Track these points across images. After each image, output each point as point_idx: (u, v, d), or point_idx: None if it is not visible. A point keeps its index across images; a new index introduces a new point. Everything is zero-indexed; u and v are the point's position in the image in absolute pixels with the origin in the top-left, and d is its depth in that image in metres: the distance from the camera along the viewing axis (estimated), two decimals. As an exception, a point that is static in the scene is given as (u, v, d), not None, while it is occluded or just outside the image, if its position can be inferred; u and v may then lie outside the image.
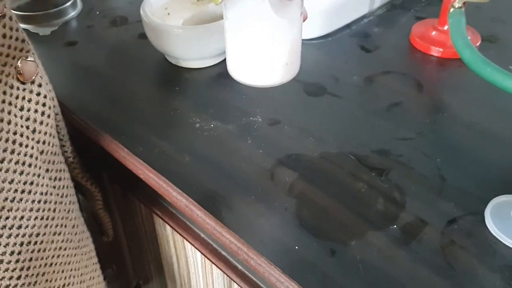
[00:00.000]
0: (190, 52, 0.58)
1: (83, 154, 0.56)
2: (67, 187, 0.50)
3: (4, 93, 0.39)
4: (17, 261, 0.43)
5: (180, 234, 0.57)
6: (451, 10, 0.58)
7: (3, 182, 0.40)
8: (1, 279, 0.42)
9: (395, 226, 0.41)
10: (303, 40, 0.64)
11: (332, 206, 0.43)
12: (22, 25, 0.69)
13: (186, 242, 0.57)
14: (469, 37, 0.60)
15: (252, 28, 0.39)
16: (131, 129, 0.52)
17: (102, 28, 0.70)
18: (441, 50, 0.61)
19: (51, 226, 0.47)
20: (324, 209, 0.43)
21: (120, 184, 0.65)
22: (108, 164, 0.56)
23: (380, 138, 0.50)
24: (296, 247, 0.40)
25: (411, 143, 0.49)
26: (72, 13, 0.72)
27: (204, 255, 0.55)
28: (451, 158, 0.47)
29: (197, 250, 0.55)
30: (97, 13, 0.74)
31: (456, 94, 0.56)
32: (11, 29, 0.39)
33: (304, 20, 0.41)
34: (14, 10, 0.69)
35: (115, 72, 0.61)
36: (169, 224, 0.59)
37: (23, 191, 0.42)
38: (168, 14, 0.63)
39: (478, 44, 0.62)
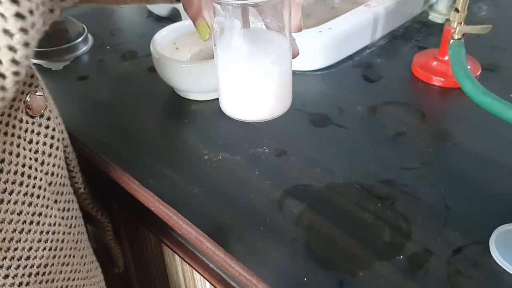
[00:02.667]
0: (197, 86, 0.60)
1: (94, 185, 0.57)
2: (75, 218, 0.51)
3: (14, 126, 0.41)
4: None
5: (189, 264, 0.58)
6: (451, 41, 0.60)
7: (11, 213, 0.41)
8: None
9: (401, 256, 0.42)
10: (307, 71, 0.67)
11: (339, 237, 0.44)
12: (35, 61, 0.71)
13: (195, 272, 0.58)
14: (469, 67, 0.62)
15: (240, 64, 0.39)
16: (141, 161, 0.54)
17: (112, 62, 0.73)
18: (442, 79, 0.63)
19: (59, 257, 0.47)
20: (332, 239, 0.44)
21: (130, 214, 0.66)
22: (117, 194, 0.57)
23: (385, 167, 0.51)
24: (305, 279, 0.40)
25: (416, 172, 0.50)
26: (84, 48, 0.75)
27: (213, 285, 0.55)
28: (455, 187, 0.48)
29: (206, 280, 0.56)
30: (108, 47, 0.76)
31: (458, 123, 0.57)
32: None
33: (295, 56, 0.41)
34: (28, 46, 0.71)
35: (125, 105, 0.63)
36: (178, 254, 0.59)
37: (31, 222, 0.43)
38: (177, 48, 0.66)
39: (478, 73, 0.64)
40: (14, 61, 0.27)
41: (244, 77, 0.40)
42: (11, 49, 0.27)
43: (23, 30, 0.27)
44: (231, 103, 0.42)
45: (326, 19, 0.95)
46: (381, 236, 0.44)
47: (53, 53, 0.72)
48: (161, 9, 0.83)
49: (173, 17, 0.80)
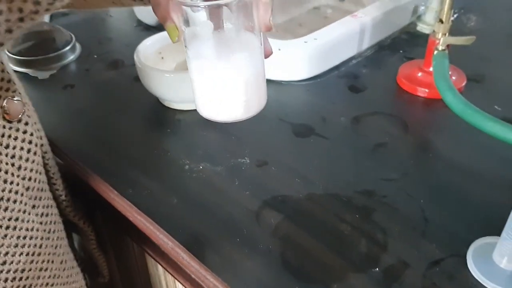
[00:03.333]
0: (181, 95, 0.60)
1: (78, 193, 0.57)
2: (54, 223, 0.50)
3: None
4: None
5: (172, 274, 0.57)
6: (435, 52, 0.60)
7: None
8: None
9: (377, 268, 0.41)
10: (292, 81, 0.67)
11: (315, 248, 0.43)
12: (21, 69, 0.72)
13: (177, 283, 0.58)
14: (454, 78, 0.62)
15: (211, 65, 0.39)
16: (122, 170, 0.54)
17: (99, 71, 0.73)
18: (426, 90, 0.63)
19: (37, 262, 0.47)
20: (308, 251, 0.43)
21: (113, 224, 0.65)
22: (102, 203, 0.57)
23: (365, 178, 0.51)
24: (278, 291, 0.40)
25: (396, 183, 0.50)
26: (71, 57, 0.75)
27: (194, 295, 0.55)
28: (434, 199, 0.48)
29: (187, 291, 0.56)
30: (95, 56, 0.76)
31: (440, 134, 0.57)
32: None
33: (267, 56, 0.41)
34: (15, 54, 0.72)
35: (109, 114, 0.63)
36: (160, 264, 0.59)
37: (7, 227, 0.43)
38: (162, 58, 0.66)
39: (463, 84, 0.64)
40: None
41: (216, 78, 0.40)
42: None
43: None
44: (205, 104, 0.42)
45: (318, 28, 0.95)
46: (357, 248, 0.43)
47: (40, 62, 0.72)
48: (149, 18, 0.83)
49: (162, 26, 0.80)
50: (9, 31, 0.30)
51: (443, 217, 0.46)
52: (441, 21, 0.60)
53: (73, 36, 0.77)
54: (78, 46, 0.77)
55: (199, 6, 0.37)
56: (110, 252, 0.71)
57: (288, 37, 0.93)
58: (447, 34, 0.60)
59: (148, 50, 0.64)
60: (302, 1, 1.03)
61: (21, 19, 0.30)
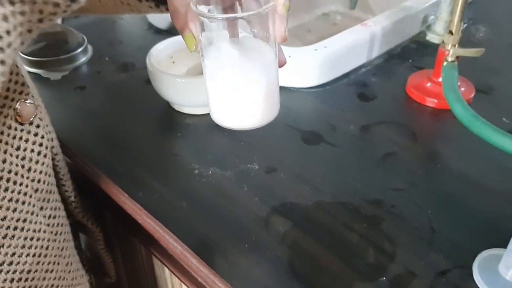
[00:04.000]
0: (192, 100, 0.61)
1: (87, 194, 0.57)
2: (61, 225, 0.51)
3: (2, 133, 0.41)
4: None
5: (178, 277, 0.58)
6: (444, 63, 0.60)
7: None
8: None
9: (384, 278, 0.42)
10: (302, 88, 0.67)
11: (323, 256, 0.44)
12: (34, 70, 0.72)
13: (183, 286, 0.58)
14: (463, 89, 0.63)
15: (226, 74, 0.40)
16: (132, 173, 0.54)
17: (110, 73, 0.73)
18: (435, 101, 0.63)
19: (43, 264, 0.48)
20: (316, 258, 0.44)
21: (122, 225, 0.66)
22: (110, 204, 0.58)
23: (374, 187, 0.51)
24: (286, 298, 0.40)
25: (404, 193, 0.50)
26: (83, 59, 0.76)
27: (200, 299, 0.55)
28: (442, 210, 0.48)
29: (193, 294, 0.56)
30: (107, 59, 0.77)
31: (449, 145, 0.58)
32: (11, 73, 0.42)
33: (281, 65, 0.42)
34: (27, 55, 0.73)
35: (120, 116, 0.64)
36: (167, 267, 0.60)
37: (15, 228, 0.43)
38: (173, 62, 0.66)
39: (472, 95, 0.64)
40: None
41: (230, 87, 0.40)
42: None
43: (0, 49, 0.28)
44: (219, 111, 0.42)
45: (327, 35, 0.96)
46: (365, 257, 0.44)
47: (52, 63, 0.73)
48: (161, 22, 0.84)
49: (173, 30, 0.81)
50: (29, 31, 0.32)
51: (450, 228, 0.46)
52: (451, 32, 0.60)
53: (85, 38, 0.78)
54: (90, 48, 0.78)
55: (216, 18, 0.37)
56: (117, 253, 0.72)
57: (297, 43, 0.93)
58: (456, 46, 0.61)
59: (160, 54, 0.64)
60: (311, 7, 1.04)
61: (40, 20, 0.32)
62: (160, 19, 0.83)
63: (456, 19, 0.59)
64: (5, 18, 0.28)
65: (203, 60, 0.40)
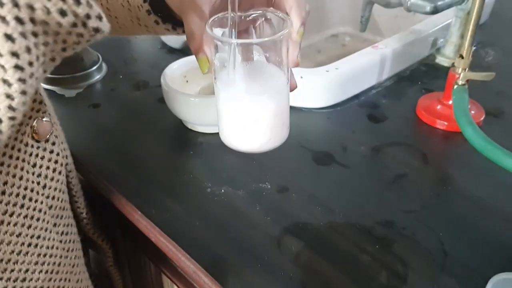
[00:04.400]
0: (205, 119, 0.62)
1: (98, 211, 0.58)
2: (73, 242, 0.51)
3: (19, 150, 0.42)
4: None
5: (187, 296, 0.58)
6: (455, 87, 0.61)
7: (11, 235, 0.41)
8: None
9: (397, 300, 0.42)
10: (313, 109, 0.68)
11: (336, 277, 0.44)
12: (49, 87, 0.74)
13: (193, 304, 0.58)
14: (473, 112, 0.63)
15: (238, 98, 0.40)
16: (146, 191, 0.55)
17: (124, 91, 0.75)
18: (446, 123, 0.64)
19: (55, 280, 0.48)
20: (328, 280, 0.44)
21: (132, 242, 0.66)
22: (121, 221, 0.58)
23: (385, 209, 0.51)
24: (299, 319, 0.40)
25: (415, 215, 0.51)
26: (97, 76, 0.77)
27: (210, 318, 0.55)
28: (454, 232, 0.49)
29: (203, 313, 0.56)
30: (121, 76, 0.78)
31: (460, 168, 0.58)
32: None
33: (292, 89, 0.42)
34: (44, 72, 0.74)
35: (134, 134, 0.65)
36: (177, 285, 0.60)
37: (29, 245, 0.44)
38: (187, 81, 0.67)
39: (482, 118, 0.64)
40: (11, 108, 0.29)
41: (242, 110, 0.41)
42: (9, 96, 0.29)
43: (21, 80, 0.28)
44: (229, 134, 0.43)
45: (336, 55, 0.97)
46: (377, 279, 0.44)
47: (67, 80, 0.74)
48: (174, 41, 0.85)
49: (186, 49, 0.83)
50: (53, 59, 0.32)
51: (462, 251, 0.46)
52: (461, 56, 0.61)
53: (100, 56, 0.79)
54: (104, 65, 0.79)
55: (231, 43, 0.38)
56: (126, 270, 0.72)
57: (308, 63, 0.95)
58: (467, 69, 0.62)
59: (174, 73, 0.65)
60: (321, 28, 1.05)
61: (64, 49, 0.32)
62: (173, 39, 0.85)
63: (466, 43, 0.60)
64: (28, 50, 0.28)
65: (216, 82, 0.41)
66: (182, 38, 0.82)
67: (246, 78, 0.41)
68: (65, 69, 0.74)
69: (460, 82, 0.61)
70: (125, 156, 0.61)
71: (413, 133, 0.65)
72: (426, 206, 0.52)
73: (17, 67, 0.28)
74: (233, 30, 0.39)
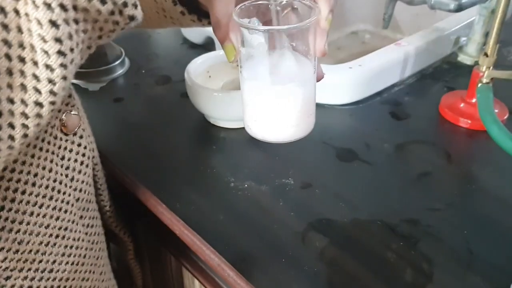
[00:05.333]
0: (228, 114, 0.62)
1: (119, 204, 0.59)
2: (98, 234, 0.52)
3: (48, 143, 0.43)
4: None
5: (209, 290, 0.58)
6: (479, 85, 0.61)
7: (39, 226, 0.42)
8: None
9: (423, 298, 0.42)
10: (335, 105, 0.68)
11: (361, 274, 0.44)
12: (74, 80, 0.74)
13: (214, 298, 0.59)
14: (496, 110, 0.62)
15: (264, 87, 0.40)
16: (169, 184, 0.55)
17: (147, 86, 0.75)
18: (469, 121, 0.63)
19: (80, 272, 0.49)
20: (354, 276, 0.44)
21: (153, 235, 0.67)
22: (142, 214, 0.59)
23: (409, 207, 0.51)
24: (325, 314, 0.41)
25: (440, 214, 0.50)
26: (120, 71, 0.78)
27: (231, 312, 0.56)
28: (479, 231, 0.48)
29: (224, 307, 0.57)
30: (143, 71, 0.79)
31: (484, 166, 0.57)
32: None
33: (319, 79, 0.42)
34: (68, 66, 0.75)
35: (157, 129, 0.65)
36: (198, 279, 0.60)
37: (57, 236, 0.44)
38: (210, 76, 0.68)
39: (505, 117, 0.64)
40: (52, 92, 0.30)
41: (268, 100, 0.41)
42: (51, 81, 0.29)
43: (63, 66, 0.29)
44: (254, 123, 0.43)
45: (356, 53, 0.97)
46: (403, 276, 0.44)
47: (91, 75, 0.75)
48: (196, 37, 0.85)
49: (207, 45, 0.83)
50: (89, 47, 0.33)
51: (488, 250, 0.46)
52: (486, 54, 0.61)
53: (123, 51, 0.80)
54: (127, 60, 0.80)
55: (258, 30, 0.38)
56: (146, 263, 0.72)
57: (327, 60, 0.94)
58: (491, 68, 0.61)
59: (198, 68, 0.66)
60: (341, 25, 1.05)
61: (100, 37, 0.33)
62: (195, 34, 0.85)
63: (491, 41, 0.60)
64: (70, 37, 0.29)
65: (241, 71, 0.41)
66: (204, 33, 0.82)
67: (272, 67, 0.40)
68: (89, 63, 0.74)
69: (484, 80, 0.61)
70: (149, 150, 0.61)
71: (436, 131, 0.64)
72: (450, 204, 0.51)
73: (60, 53, 0.28)
74: (259, 18, 0.39)
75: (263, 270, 0.45)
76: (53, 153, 0.43)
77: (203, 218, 0.51)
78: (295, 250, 0.47)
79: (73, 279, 0.48)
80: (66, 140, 0.45)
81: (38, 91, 0.29)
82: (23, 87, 0.29)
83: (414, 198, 0.52)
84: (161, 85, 0.75)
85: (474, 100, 0.64)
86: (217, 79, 0.68)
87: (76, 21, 0.29)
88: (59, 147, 0.44)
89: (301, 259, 0.46)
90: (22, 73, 0.29)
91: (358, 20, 1.06)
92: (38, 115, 0.30)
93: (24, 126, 0.30)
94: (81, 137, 0.47)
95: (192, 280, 0.63)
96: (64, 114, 0.44)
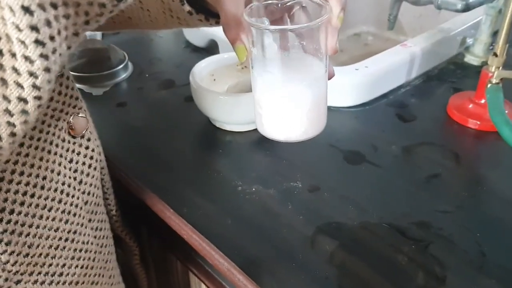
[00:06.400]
0: (233, 117, 0.61)
1: (124, 208, 0.58)
2: (106, 238, 0.52)
3: (57, 145, 0.42)
4: None
5: (216, 295, 0.58)
6: (489, 85, 0.60)
7: (49, 230, 0.42)
8: None
9: (436, 302, 0.41)
10: (341, 107, 0.67)
11: (373, 278, 0.43)
12: (77, 85, 0.74)
13: (221, 303, 0.58)
14: (506, 111, 0.62)
15: (276, 87, 0.40)
16: (176, 189, 0.55)
17: (150, 90, 0.75)
18: (478, 122, 0.63)
19: (89, 275, 0.48)
20: (365, 281, 0.43)
21: (158, 240, 0.66)
22: (148, 219, 0.58)
23: (420, 209, 0.50)
24: (338, 319, 0.40)
25: (451, 216, 0.50)
26: (124, 75, 0.77)
27: (239, 317, 0.55)
28: (491, 233, 0.48)
29: (232, 312, 0.56)
30: (147, 75, 0.78)
31: (494, 168, 0.57)
32: (67, 87, 0.43)
33: (330, 77, 0.42)
34: (70, 70, 0.74)
35: (162, 133, 0.65)
36: (205, 283, 0.60)
37: (66, 240, 0.44)
38: (214, 80, 0.67)
39: (515, 118, 0.63)
40: (35, 86, 0.27)
41: (279, 100, 0.40)
42: (32, 74, 0.27)
43: (44, 56, 0.27)
44: (266, 123, 0.42)
45: (359, 55, 0.96)
46: (415, 280, 0.43)
47: (95, 79, 0.74)
48: (198, 40, 0.85)
49: (210, 48, 0.83)
50: (76, 34, 0.30)
51: (500, 252, 0.45)
52: (495, 54, 0.60)
53: (126, 55, 0.79)
54: (130, 65, 0.80)
55: (268, 30, 0.38)
56: (151, 268, 0.72)
57: (331, 62, 0.94)
58: (500, 68, 0.61)
59: (202, 71, 0.65)
60: (343, 27, 1.03)
61: (86, 22, 0.30)
62: (197, 37, 0.85)
63: (501, 41, 0.59)
64: (48, 23, 0.26)
65: (253, 72, 0.40)
66: (207, 36, 0.82)
67: (283, 66, 0.40)
68: (92, 67, 0.74)
69: (494, 81, 0.60)
70: (154, 154, 0.61)
71: (444, 132, 0.64)
72: (461, 206, 0.51)
73: (38, 42, 0.26)
74: (269, 17, 0.38)
75: (272, 274, 0.44)
76: (61, 156, 0.43)
77: (211, 222, 0.50)
78: (304, 254, 0.46)
79: (83, 282, 0.47)
80: (74, 143, 0.45)
81: (20, 85, 0.27)
82: (3, 81, 0.26)
83: (424, 200, 0.52)
84: (165, 89, 0.74)
85: (483, 101, 0.63)
86: (221, 82, 0.67)
87: (54, 6, 0.26)
88: (67, 150, 0.44)
89: (311, 263, 0.45)
90: (0, 66, 0.26)
91: (361, 22, 1.06)
92: (24, 111, 0.28)
93: (10, 124, 0.28)
94: (88, 139, 0.47)
95: (199, 285, 0.62)
96: (72, 117, 0.44)
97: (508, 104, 0.65)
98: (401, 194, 0.53)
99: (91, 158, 0.47)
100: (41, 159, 0.40)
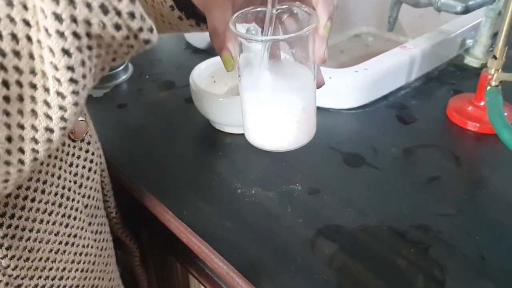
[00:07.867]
0: (233, 119, 0.61)
1: (124, 210, 0.58)
2: (106, 241, 0.52)
3: (57, 149, 0.42)
4: None
5: (216, 297, 0.58)
6: (488, 88, 0.60)
7: (49, 234, 0.42)
8: None
9: (436, 305, 0.41)
10: (341, 109, 0.67)
11: (372, 281, 0.43)
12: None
13: (221, 305, 0.58)
14: (506, 113, 0.62)
15: (263, 96, 0.40)
16: (176, 191, 0.55)
17: (150, 91, 0.75)
18: (477, 125, 0.63)
19: (89, 279, 0.48)
20: (364, 284, 0.43)
21: (159, 242, 0.66)
22: (148, 221, 0.58)
23: (419, 212, 0.50)
24: (337, 323, 0.40)
25: (451, 219, 0.50)
26: (124, 77, 0.77)
27: (239, 320, 0.55)
28: (491, 237, 0.48)
29: (232, 315, 0.56)
30: (147, 77, 0.78)
31: (494, 170, 0.57)
32: None
33: (319, 86, 0.41)
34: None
35: (161, 134, 0.65)
36: (204, 286, 0.60)
37: (67, 243, 0.44)
38: (214, 81, 0.67)
39: (515, 120, 0.63)
40: (63, 119, 0.29)
41: (266, 109, 0.40)
42: (62, 108, 0.28)
43: (75, 93, 0.28)
44: (254, 132, 0.42)
45: (359, 56, 0.96)
46: (414, 283, 0.43)
47: (95, 81, 0.74)
48: (199, 42, 0.85)
49: (211, 49, 0.83)
50: (102, 69, 0.31)
51: (500, 256, 0.45)
52: (494, 57, 0.60)
53: (126, 56, 0.79)
54: (130, 66, 0.80)
55: (255, 40, 0.37)
56: (151, 270, 0.72)
57: (330, 63, 0.94)
58: (500, 70, 0.60)
59: (202, 73, 0.65)
60: (343, 28, 1.05)
61: (113, 59, 0.31)
62: (198, 39, 0.85)
63: (500, 43, 0.59)
64: (83, 63, 0.28)
65: (240, 80, 0.40)
66: (207, 38, 0.81)
67: (271, 75, 0.40)
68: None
69: (493, 83, 0.60)
70: (154, 156, 0.61)
71: (444, 134, 0.64)
72: (461, 209, 0.51)
73: (72, 80, 0.28)
74: (269, 27, 0.38)
75: (272, 277, 0.44)
76: (61, 159, 0.43)
77: (210, 225, 0.50)
78: (304, 257, 0.46)
79: (83, 286, 0.47)
80: (74, 147, 0.45)
81: (49, 117, 0.29)
82: (34, 113, 0.28)
83: (424, 203, 0.52)
84: (165, 91, 0.74)
85: (482, 103, 0.63)
86: (221, 84, 0.67)
87: (90, 48, 0.28)
88: (67, 154, 0.44)
89: (311, 266, 0.45)
90: (33, 99, 0.28)
91: (361, 23, 1.06)
92: (49, 140, 0.30)
93: (34, 150, 0.29)
94: (88, 143, 0.47)
95: (198, 287, 0.62)
96: None
97: (508, 107, 0.65)
98: (401, 196, 0.53)
99: (91, 161, 0.47)
100: (41, 163, 0.40)
